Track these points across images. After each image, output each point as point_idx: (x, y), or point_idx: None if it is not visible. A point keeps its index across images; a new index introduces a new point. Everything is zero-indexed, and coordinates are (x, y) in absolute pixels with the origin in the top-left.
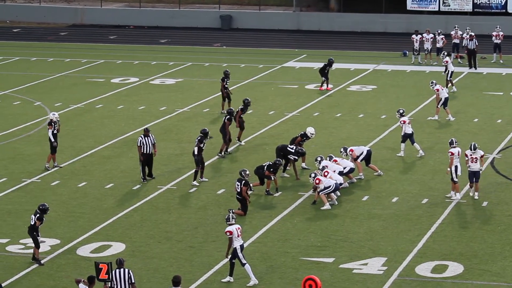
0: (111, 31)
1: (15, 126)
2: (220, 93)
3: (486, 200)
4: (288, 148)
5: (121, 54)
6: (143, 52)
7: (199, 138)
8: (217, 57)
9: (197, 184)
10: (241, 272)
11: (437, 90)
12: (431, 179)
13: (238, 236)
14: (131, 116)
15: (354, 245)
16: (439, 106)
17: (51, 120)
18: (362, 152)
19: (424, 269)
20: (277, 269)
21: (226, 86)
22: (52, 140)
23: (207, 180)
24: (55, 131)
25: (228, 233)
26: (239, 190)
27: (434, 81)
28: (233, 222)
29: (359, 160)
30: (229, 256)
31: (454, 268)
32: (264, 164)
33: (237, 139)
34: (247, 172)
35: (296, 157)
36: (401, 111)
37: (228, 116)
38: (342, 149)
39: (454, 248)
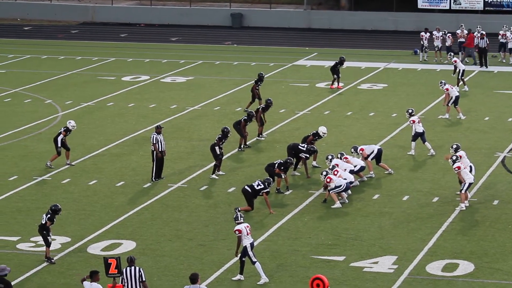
0: (122, 29)
1: (26, 124)
2: (251, 93)
3: (497, 199)
4: (299, 146)
5: (132, 52)
6: (154, 50)
7: (219, 136)
8: (228, 55)
9: (216, 177)
10: (252, 270)
11: (447, 89)
12: (441, 177)
13: (247, 234)
14: (142, 114)
15: (365, 243)
16: (449, 105)
17: (67, 128)
18: (373, 151)
19: (435, 268)
20: (287, 267)
21: (257, 88)
22: (59, 145)
23: (224, 173)
24: (64, 139)
25: (237, 232)
26: (257, 188)
27: (443, 81)
28: (242, 220)
29: (369, 159)
30: (239, 255)
31: (465, 267)
32: (275, 162)
33: (257, 136)
34: (271, 182)
35: (308, 155)
36: (410, 111)
37: (246, 118)
38: (352, 149)
39: (465, 246)
